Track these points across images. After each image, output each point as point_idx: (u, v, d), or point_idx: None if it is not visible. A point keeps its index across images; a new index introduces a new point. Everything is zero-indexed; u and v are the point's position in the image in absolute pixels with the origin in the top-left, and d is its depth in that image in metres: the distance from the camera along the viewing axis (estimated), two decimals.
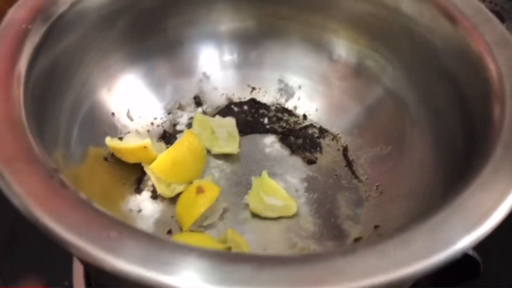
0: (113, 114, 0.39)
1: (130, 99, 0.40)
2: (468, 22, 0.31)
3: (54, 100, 0.32)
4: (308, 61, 0.43)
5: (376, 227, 0.35)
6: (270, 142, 0.41)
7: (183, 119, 0.42)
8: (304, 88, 0.43)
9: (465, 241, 0.22)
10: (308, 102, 0.43)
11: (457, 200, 0.24)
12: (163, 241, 0.20)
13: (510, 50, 0.29)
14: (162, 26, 0.39)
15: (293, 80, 0.43)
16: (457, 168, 0.30)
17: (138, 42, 0.38)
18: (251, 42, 0.43)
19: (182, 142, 0.37)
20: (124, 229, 0.21)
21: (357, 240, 0.35)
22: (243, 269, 0.19)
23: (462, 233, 0.22)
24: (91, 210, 0.21)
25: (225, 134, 0.40)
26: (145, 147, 0.36)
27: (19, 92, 0.26)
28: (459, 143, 0.32)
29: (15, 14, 0.29)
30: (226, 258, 0.20)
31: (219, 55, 0.43)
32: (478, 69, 0.30)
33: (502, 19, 0.52)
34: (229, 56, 0.43)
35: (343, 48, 0.41)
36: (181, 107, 0.42)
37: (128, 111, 0.40)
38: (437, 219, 0.23)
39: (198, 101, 0.43)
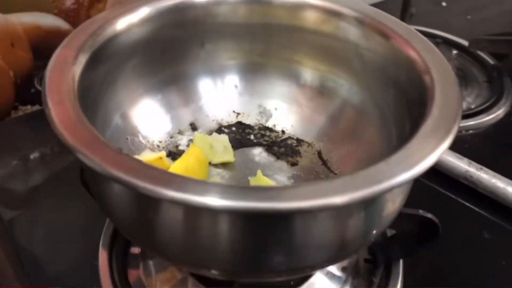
0: (126, 139, 0.47)
1: (141, 126, 0.48)
2: (401, 38, 0.42)
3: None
4: (281, 88, 0.53)
5: None
6: (258, 153, 0.50)
7: (183, 141, 0.50)
8: (279, 109, 0.53)
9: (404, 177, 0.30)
10: (284, 120, 0.53)
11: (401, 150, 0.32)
12: (198, 181, 0.28)
13: (434, 53, 0.40)
14: (183, 57, 0.49)
15: (270, 104, 0.53)
16: None
17: (156, 73, 0.47)
18: (238, 76, 0.53)
19: (190, 154, 0.45)
20: (178, 177, 0.29)
21: None
22: (261, 191, 0.28)
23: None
24: (156, 169, 0.29)
25: (222, 147, 0.48)
26: (160, 158, 0.44)
27: (77, 105, 0.34)
28: (406, 130, 0.42)
29: (62, 51, 0.38)
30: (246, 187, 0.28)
31: (213, 88, 0.52)
32: (413, 70, 0.41)
33: None
34: (221, 87, 0.53)
35: (308, 74, 0.52)
36: (180, 132, 0.51)
37: (139, 136, 0.48)
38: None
39: (194, 127, 0.52)
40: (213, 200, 0.27)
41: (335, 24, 0.48)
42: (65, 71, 0.36)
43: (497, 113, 0.66)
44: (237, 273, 0.35)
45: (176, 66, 0.50)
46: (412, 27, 0.44)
